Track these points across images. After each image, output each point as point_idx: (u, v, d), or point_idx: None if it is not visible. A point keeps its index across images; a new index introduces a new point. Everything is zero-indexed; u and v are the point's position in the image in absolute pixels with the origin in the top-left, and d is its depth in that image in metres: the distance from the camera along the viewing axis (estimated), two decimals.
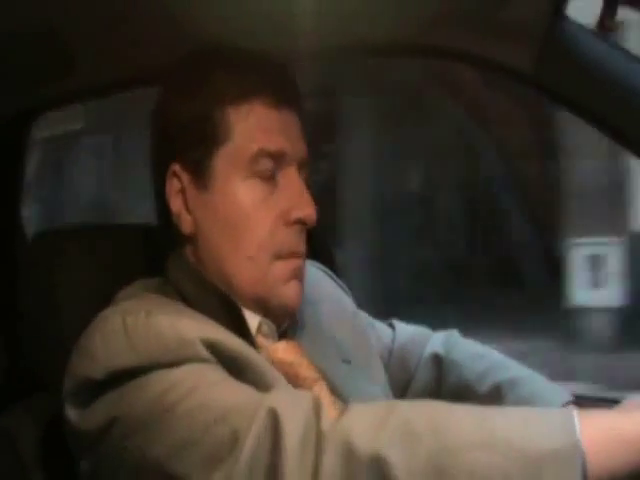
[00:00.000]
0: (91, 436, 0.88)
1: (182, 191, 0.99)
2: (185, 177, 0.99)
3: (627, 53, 1.00)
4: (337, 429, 0.78)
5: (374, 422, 0.78)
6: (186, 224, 1.00)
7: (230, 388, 0.85)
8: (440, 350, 1.24)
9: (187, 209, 0.99)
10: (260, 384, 0.89)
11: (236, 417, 0.81)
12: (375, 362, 1.18)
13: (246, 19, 1.18)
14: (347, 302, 1.23)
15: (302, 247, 1.01)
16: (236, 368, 0.90)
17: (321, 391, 1.00)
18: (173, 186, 1.00)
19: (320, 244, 1.62)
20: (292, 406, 0.81)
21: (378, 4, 1.12)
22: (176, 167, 0.99)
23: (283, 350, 1.01)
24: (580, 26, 1.02)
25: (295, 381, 0.99)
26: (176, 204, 1.00)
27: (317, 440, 0.78)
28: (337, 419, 0.80)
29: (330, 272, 1.26)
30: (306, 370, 1.01)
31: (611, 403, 1.11)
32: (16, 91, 1.35)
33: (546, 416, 0.78)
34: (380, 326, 1.31)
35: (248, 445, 0.78)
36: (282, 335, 1.03)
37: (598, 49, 1.01)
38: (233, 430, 0.80)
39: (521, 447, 0.74)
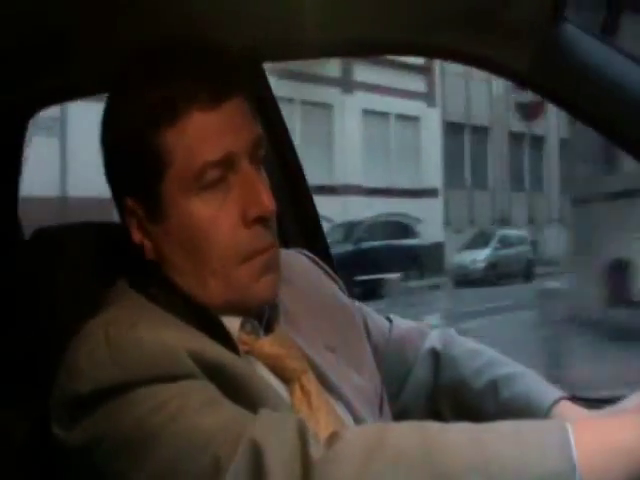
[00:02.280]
0: (76, 453, 0.89)
1: (140, 223, 0.98)
2: (140, 210, 0.98)
3: (625, 55, 1.00)
4: (326, 462, 0.78)
5: (365, 454, 0.78)
6: (149, 251, 0.99)
7: (214, 412, 0.85)
8: (438, 346, 1.24)
9: (148, 237, 0.98)
10: (245, 393, 0.90)
11: (218, 447, 0.81)
12: (364, 351, 1.17)
13: (247, 17, 1.18)
14: (334, 290, 1.22)
15: (268, 241, 0.98)
16: (221, 378, 0.90)
17: (309, 382, 1.01)
18: (131, 219, 0.99)
19: (314, 232, 1.62)
20: (275, 436, 0.80)
21: (377, 3, 1.12)
22: (130, 201, 0.98)
23: (270, 345, 1.01)
24: (578, 28, 1.02)
25: (283, 374, 0.99)
26: (136, 235, 0.99)
27: (304, 472, 0.78)
28: (326, 449, 0.80)
29: (318, 260, 1.25)
30: (293, 361, 1.01)
31: (606, 402, 1.12)
32: (13, 88, 1.34)
33: (541, 434, 0.78)
34: (377, 317, 1.30)
35: (230, 478, 0.79)
36: (267, 326, 1.03)
37: (596, 51, 1.01)
38: (215, 461, 0.80)
39: (516, 472, 0.74)
